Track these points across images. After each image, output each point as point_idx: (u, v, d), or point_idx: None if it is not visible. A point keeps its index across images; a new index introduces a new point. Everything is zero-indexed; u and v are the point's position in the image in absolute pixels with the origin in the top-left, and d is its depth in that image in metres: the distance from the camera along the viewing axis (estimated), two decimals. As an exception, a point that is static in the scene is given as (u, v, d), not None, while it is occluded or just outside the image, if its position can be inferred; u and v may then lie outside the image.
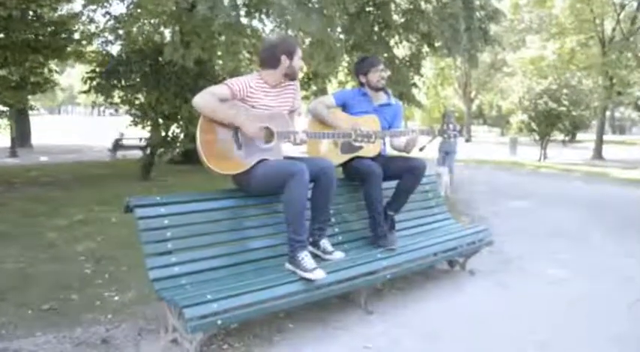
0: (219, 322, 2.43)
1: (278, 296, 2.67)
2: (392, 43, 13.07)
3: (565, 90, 18.75)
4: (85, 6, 12.71)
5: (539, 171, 14.71)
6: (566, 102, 18.44)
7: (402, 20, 12.73)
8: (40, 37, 7.82)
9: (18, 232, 5.43)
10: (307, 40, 10.87)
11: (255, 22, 8.91)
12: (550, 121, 18.83)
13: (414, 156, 3.76)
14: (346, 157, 3.69)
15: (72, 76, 47.60)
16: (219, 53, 7.18)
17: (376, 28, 12.79)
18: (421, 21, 12.07)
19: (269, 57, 3.13)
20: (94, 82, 8.78)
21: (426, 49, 13.25)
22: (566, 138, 20.97)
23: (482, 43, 11.75)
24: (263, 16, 7.78)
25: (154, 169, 9.85)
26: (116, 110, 9.70)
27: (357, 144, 3.29)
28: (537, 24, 24.40)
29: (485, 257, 4.53)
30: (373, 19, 12.70)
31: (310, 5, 8.73)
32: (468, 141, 32.73)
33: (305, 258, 2.82)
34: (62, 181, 9.40)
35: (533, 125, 19.25)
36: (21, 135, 18.32)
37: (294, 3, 7.65)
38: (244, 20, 8.12)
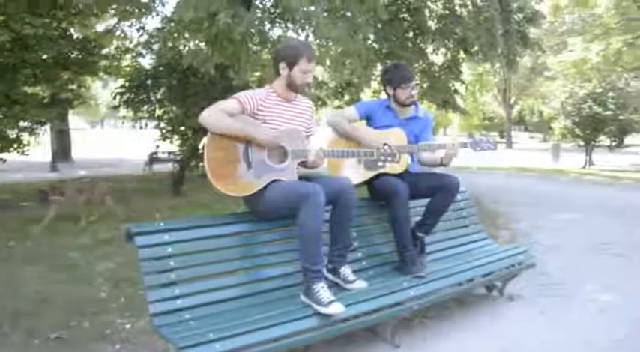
0: (222, 364, 2.19)
1: (290, 334, 2.41)
2: (429, 49, 12.73)
3: (611, 94, 17.86)
4: (118, 22, 12.93)
5: (584, 179, 13.95)
6: (612, 106, 17.55)
7: (438, 26, 12.37)
8: (70, 54, 7.88)
9: (43, 251, 5.37)
10: (339, 49, 10.69)
11: (279, 31, 8.79)
12: (595, 126, 17.97)
13: (446, 173, 3.45)
14: (370, 174, 3.41)
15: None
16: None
17: (411, 35, 12.48)
18: (457, 26, 11.69)
19: (273, 63, 2.92)
20: (124, 97, 8.80)
21: (462, 55, 12.84)
22: (613, 143, 19.92)
23: (521, 47, 11.25)
24: (289, 24, 7.59)
25: (185, 183, 9.78)
26: (146, 124, 9.71)
27: (380, 163, 3.01)
28: (580, 25, 23.46)
29: (526, 279, 4.14)
30: (408, 25, 12.40)
31: (338, 13, 8.53)
32: (509, 147, 31.76)
33: (321, 290, 2.55)
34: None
35: (577, 130, 18.41)
36: (62, 150, 18.80)
37: (320, 10, 7.45)
38: (268, 28, 7.97)
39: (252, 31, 6.89)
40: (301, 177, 2.85)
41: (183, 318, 2.44)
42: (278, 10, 7.03)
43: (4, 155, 7.62)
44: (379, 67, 12.05)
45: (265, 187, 2.74)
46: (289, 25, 7.78)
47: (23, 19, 6.29)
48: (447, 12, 11.87)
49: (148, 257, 2.50)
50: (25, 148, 7.65)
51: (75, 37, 8.90)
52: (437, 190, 3.36)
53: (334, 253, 2.91)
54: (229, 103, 2.78)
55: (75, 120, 44.22)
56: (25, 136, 7.70)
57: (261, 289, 2.72)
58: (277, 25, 7.94)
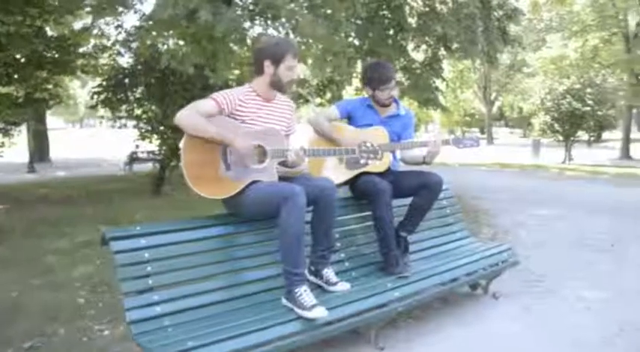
0: (201, 373, 2.12)
1: (273, 339, 2.34)
2: (410, 46, 12.71)
3: (589, 90, 18.11)
4: (94, 19, 12.68)
5: (565, 174, 14.10)
6: (590, 102, 17.80)
7: (418, 23, 12.36)
8: (45, 53, 7.68)
9: (18, 256, 5.21)
10: (320, 46, 10.60)
11: (259, 29, 8.69)
12: (574, 121, 18.22)
13: (429, 171, 3.41)
14: (352, 174, 3.36)
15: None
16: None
17: (391, 32, 12.45)
18: (437, 23, 11.69)
19: (255, 61, 2.83)
20: (102, 96, 8.62)
21: (442, 51, 12.86)
22: (592, 139, 20.23)
23: (502, 44, 11.30)
24: (269, 22, 7.48)
25: (166, 183, 9.62)
26: (124, 124, 9.53)
27: (362, 161, 2.95)
28: (557, 22, 23.74)
29: (510, 276, 4.12)
30: (388, 22, 12.36)
31: (318, 11, 8.45)
32: (490, 143, 32.04)
33: (303, 293, 2.49)
34: (73, 198, 9.23)
35: (557, 126, 18.63)
36: (39, 151, 18.42)
37: (303, 7, 7.37)
38: (248, 26, 7.86)
39: (233, 28, 6.79)
40: (282, 178, 2.78)
41: (162, 325, 2.36)
42: (258, 8, 6.91)
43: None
44: (359, 64, 12.03)
45: (244, 189, 2.67)
46: (269, 22, 7.69)
47: (-8, 18, 6.11)
48: (427, 9, 11.88)
49: (125, 262, 2.42)
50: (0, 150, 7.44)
51: (50, 35, 8.69)
52: (420, 188, 3.32)
53: (316, 255, 2.85)
54: (206, 104, 2.70)
55: (54, 120, 43.49)
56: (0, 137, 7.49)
57: (242, 293, 2.65)
58: (257, 22, 7.83)
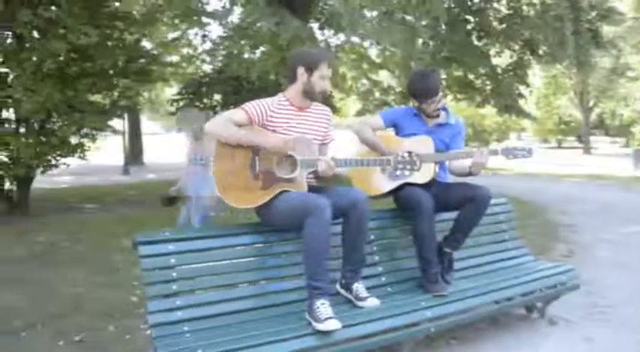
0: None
1: (286, 353, 2.28)
2: (492, 52, 12.19)
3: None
4: (185, 30, 13.36)
5: (669, 189, 12.77)
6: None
7: (501, 27, 11.82)
8: (131, 63, 8.21)
9: (90, 255, 5.59)
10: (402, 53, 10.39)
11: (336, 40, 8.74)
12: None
13: (477, 184, 3.20)
14: (394, 185, 3.23)
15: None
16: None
17: (474, 37, 12.01)
18: (522, 27, 11.10)
19: (289, 69, 2.80)
20: (181, 103, 9.05)
21: (529, 56, 12.20)
22: None
23: (593, 47, 10.50)
24: (338, 31, 7.50)
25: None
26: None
27: (397, 172, 2.82)
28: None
29: (575, 300, 3.77)
30: (472, 28, 11.94)
31: (394, 17, 8.32)
32: (586, 153, 29.88)
33: (321, 306, 2.41)
34: (152, 200, 9.73)
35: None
36: (134, 154, 19.75)
37: (373, 15, 7.31)
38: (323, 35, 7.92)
39: (304, 36, 6.87)
40: (313, 188, 2.73)
41: (181, 330, 2.39)
42: (324, 17, 6.95)
43: (67, 160, 8.06)
44: (440, 72, 11.70)
45: (273, 198, 2.64)
46: (339, 30, 7.71)
47: (80, 31, 6.62)
48: (512, 12, 11.33)
49: (151, 267, 2.47)
50: (86, 153, 8.04)
51: (139, 46, 9.26)
52: (466, 202, 3.12)
53: (346, 268, 2.76)
54: (235, 114, 2.72)
55: (150, 126, 46.55)
56: (87, 142, 8.10)
57: (266, 304, 2.62)
58: (327, 30, 7.88)
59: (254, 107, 2.72)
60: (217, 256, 2.64)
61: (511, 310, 3.46)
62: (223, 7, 9.33)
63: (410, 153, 2.84)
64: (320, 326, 2.35)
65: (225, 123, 2.64)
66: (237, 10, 9.07)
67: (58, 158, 7.89)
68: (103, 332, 3.40)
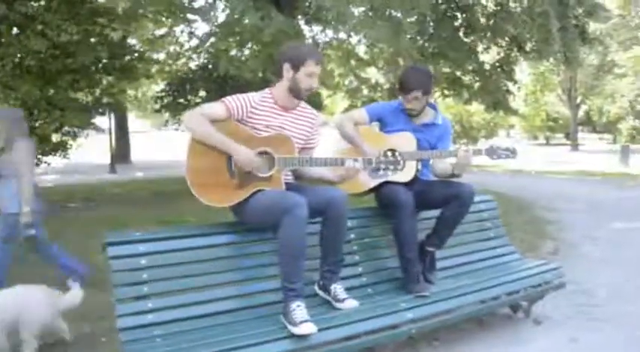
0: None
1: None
2: (479, 48, 12.17)
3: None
4: (171, 27, 13.19)
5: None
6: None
7: (488, 23, 11.79)
8: (114, 60, 8.06)
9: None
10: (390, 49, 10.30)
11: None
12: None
13: (460, 181, 3.13)
14: (375, 182, 3.15)
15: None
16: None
17: (461, 33, 11.97)
18: (509, 23, 11.07)
19: (275, 64, 2.71)
20: (165, 101, 8.93)
21: (516, 53, 12.19)
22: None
23: (580, 44, 10.49)
24: (326, 26, 7.41)
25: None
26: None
27: (380, 172, 2.74)
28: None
29: (560, 299, 3.71)
30: (459, 24, 11.90)
31: (380, 12, 8.25)
32: (574, 150, 30.05)
33: (296, 309, 2.33)
34: (137, 198, 9.62)
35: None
36: (121, 152, 19.53)
37: (359, 10, 7.23)
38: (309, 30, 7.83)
39: (289, 31, 6.77)
40: (290, 187, 2.64)
41: (152, 334, 2.30)
42: (311, 11, 6.85)
43: (48, 159, 7.91)
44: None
45: (249, 197, 2.56)
46: (326, 26, 7.62)
47: (59, 27, 6.47)
48: (499, 8, 11.29)
49: (120, 268, 2.38)
50: (68, 152, 7.89)
51: (124, 42, 9.09)
52: (449, 200, 3.05)
53: (324, 269, 2.68)
54: (214, 107, 2.61)
55: (139, 124, 46.06)
56: (69, 140, 7.94)
57: (240, 306, 2.53)
58: (314, 25, 7.79)
59: (235, 101, 2.62)
60: (190, 257, 2.55)
61: (495, 310, 3.40)
62: (206, 2, 9.20)
63: (393, 152, 2.77)
64: (295, 330, 2.28)
65: (200, 118, 2.53)
66: (221, 6, 8.99)
67: (39, 156, 7.73)
68: (77, 334, 3.30)
